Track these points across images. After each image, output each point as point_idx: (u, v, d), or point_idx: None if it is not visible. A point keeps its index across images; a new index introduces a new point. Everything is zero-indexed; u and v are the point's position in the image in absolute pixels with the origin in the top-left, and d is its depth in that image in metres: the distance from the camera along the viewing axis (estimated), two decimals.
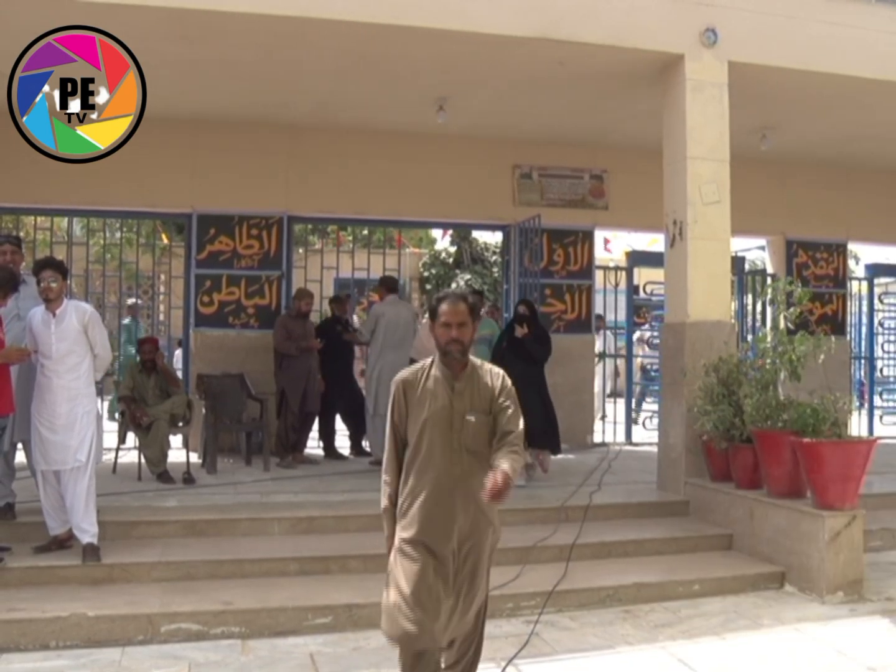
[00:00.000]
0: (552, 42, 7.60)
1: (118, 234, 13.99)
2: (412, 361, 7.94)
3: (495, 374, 4.03)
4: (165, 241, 15.78)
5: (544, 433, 8.33)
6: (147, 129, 6.32)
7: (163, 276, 14.07)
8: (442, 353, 3.94)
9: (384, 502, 4.04)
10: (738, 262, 12.21)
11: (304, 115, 10.16)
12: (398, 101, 9.53)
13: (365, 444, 10.32)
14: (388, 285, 10.18)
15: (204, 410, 9.35)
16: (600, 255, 13.82)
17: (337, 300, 10.73)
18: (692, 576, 6.43)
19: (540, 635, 5.45)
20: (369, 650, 5.24)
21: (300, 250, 12.61)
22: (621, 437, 12.15)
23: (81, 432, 6.06)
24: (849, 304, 13.18)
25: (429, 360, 4.02)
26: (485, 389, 3.96)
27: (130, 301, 11.79)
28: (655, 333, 13.05)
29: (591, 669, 4.97)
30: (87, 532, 5.98)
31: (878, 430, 12.92)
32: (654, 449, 8.70)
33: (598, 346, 12.82)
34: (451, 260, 26.68)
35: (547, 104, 9.61)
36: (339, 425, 10.58)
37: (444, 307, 3.94)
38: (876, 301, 13.80)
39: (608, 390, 13.78)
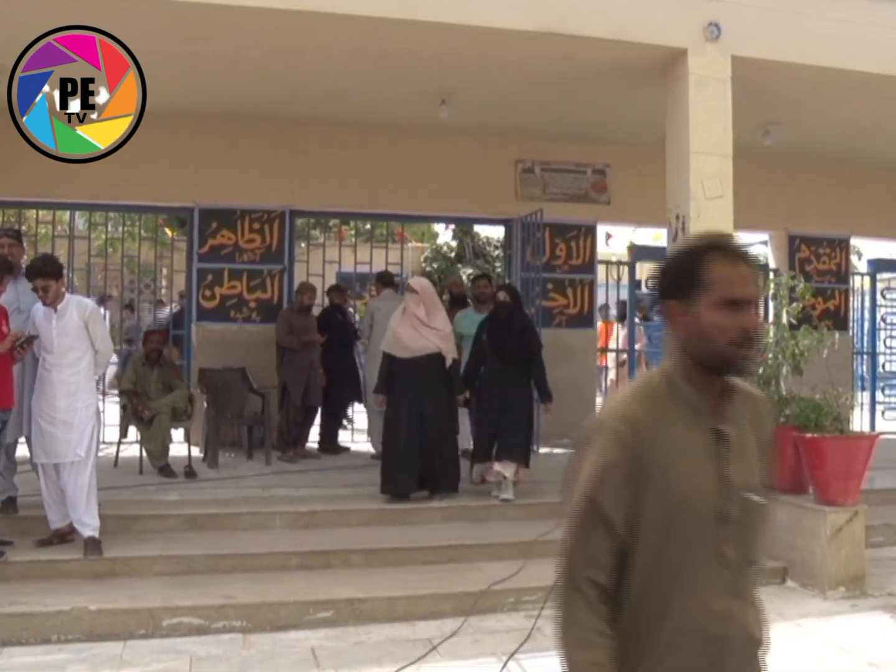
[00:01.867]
0: (556, 36, 7.57)
1: (120, 229, 13.96)
2: (386, 357, 7.67)
3: (762, 404, 2.19)
4: (170, 234, 15.76)
5: (507, 443, 7.48)
6: (149, 124, 6.31)
7: (165, 270, 14.06)
8: (719, 365, 1.97)
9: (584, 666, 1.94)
10: None
11: (307, 109, 10.14)
12: (401, 95, 9.51)
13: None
14: (384, 280, 10.23)
15: (205, 404, 9.35)
16: (602, 249, 13.80)
17: (336, 289, 10.73)
18: None
19: (541, 630, 5.44)
20: (370, 644, 5.25)
21: (302, 244, 12.60)
22: None
23: (81, 426, 6.06)
24: (851, 299, 13.16)
25: (655, 375, 2.07)
26: (760, 435, 2.11)
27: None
28: None
29: None
30: (89, 526, 5.99)
31: (880, 425, 12.91)
32: None
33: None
34: (452, 254, 26.66)
35: (550, 99, 9.58)
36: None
37: (722, 269, 1.96)
38: (878, 296, 13.79)
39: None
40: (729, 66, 7.91)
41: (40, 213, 11.43)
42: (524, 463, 7.59)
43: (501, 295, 7.81)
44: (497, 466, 7.46)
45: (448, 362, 7.56)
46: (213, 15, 7.17)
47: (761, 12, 7.96)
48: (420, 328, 7.47)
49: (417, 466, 7.39)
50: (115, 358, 10.69)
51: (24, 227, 12.34)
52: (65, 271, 6.43)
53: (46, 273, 6.09)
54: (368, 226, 15.15)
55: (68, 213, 12.09)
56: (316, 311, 10.19)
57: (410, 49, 7.98)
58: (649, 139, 9.19)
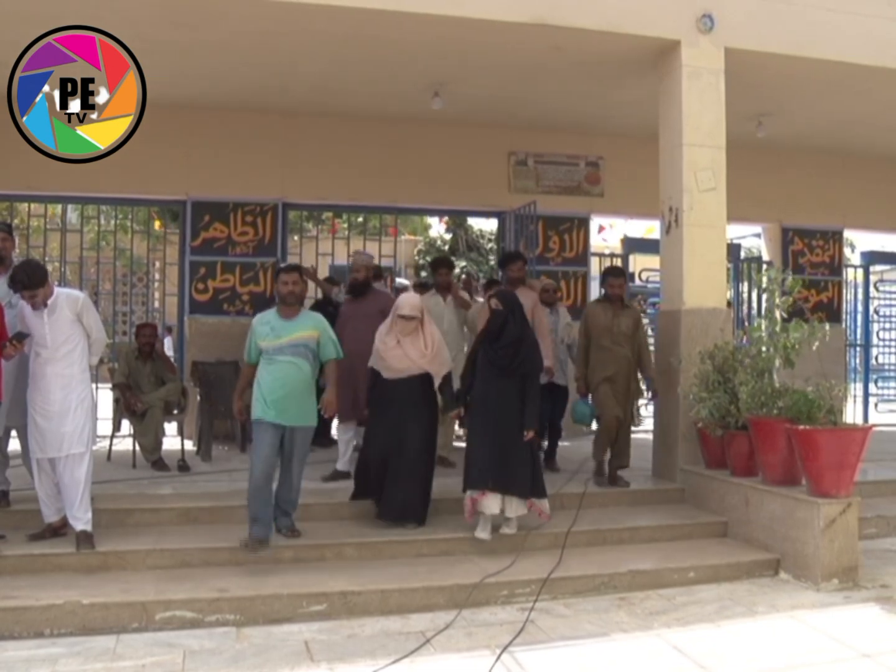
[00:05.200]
0: (549, 28, 7.57)
1: (113, 222, 13.93)
2: (371, 372, 6.97)
3: None
4: (158, 226, 15.73)
5: (504, 470, 6.43)
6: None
7: (157, 263, 14.04)
8: None
9: None
10: (733, 250, 12.21)
11: (300, 102, 10.13)
12: (394, 87, 9.50)
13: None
14: (374, 273, 10.22)
15: (199, 398, 9.34)
16: (595, 242, 13.81)
17: (330, 281, 10.69)
18: (687, 563, 6.43)
19: (535, 622, 5.45)
20: (364, 637, 5.24)
21: (295, 237, 12.58)
22: None
23: (76, 420, 6.02)
24: (844, 291, 13.20)
25: None
26: None
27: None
28: None
29: (586, 656, 4.97)
30: (81, 519, 5.97)
31: (874, 417, 12.95)
32: (650, 436, 8.69)
33: None
34: (446, 247, 26.67)
35: (543, 91, 9.58)
36: None
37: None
38: (871, 289, 13.82)
39: None
40: (722, 57, 7.93)
41: (32, 206, 11.40)
42: (539, 494, 6.63)
43: (493, 302, 6.77)
44: (491, 501, 6.43)
45: (437, 381, 6.86)
46: (203, 3, 7.17)
47: (754, 3, 7.99)
48: (407, 348, 6.79)
49: (378, 487, 6.77)
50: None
51: (16, 221, 12.30)
52: (50, 270, 6.33)
53: (31, 286, 5.96)
54: (361, 218, 15.13)
55: (60, 206, 12.05)
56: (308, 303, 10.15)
57: (402, 40, 7.98)
58: (642, 131, 9.21)
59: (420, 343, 6.83)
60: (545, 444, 8.69)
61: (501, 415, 6.54)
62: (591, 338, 7.95)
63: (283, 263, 6.18)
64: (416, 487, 6.75)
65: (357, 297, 8.25)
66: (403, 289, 11.12)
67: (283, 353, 6.25)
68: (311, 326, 6.41)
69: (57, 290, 6.20)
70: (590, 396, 8.04)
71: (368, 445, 6.98)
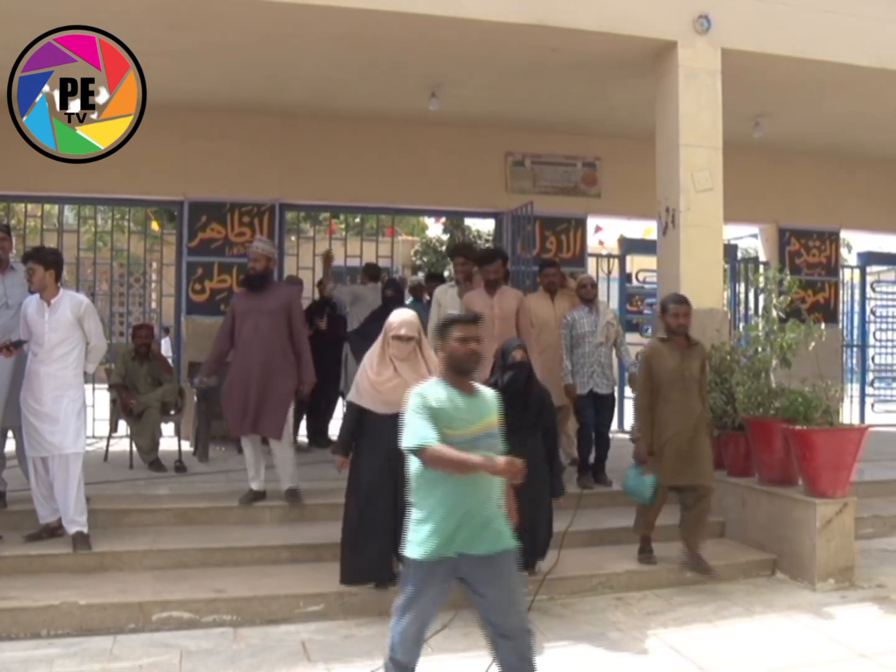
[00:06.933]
0: (546, 29, 7.57)
1: (110, 222, 13.93)
2: (353, 409, 5.67)
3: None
4: (155, 227, 15.73)
5: (535, 540, 5.73)
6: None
7: (154, 264, 14.03)
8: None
9: None
10: (730, 250, 12.21)
11: (297, 102, 10.13)
12: (391, 87, 9.50)
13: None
14: (371, 273, 10.26)
15: (195, 398, 9.33)
16: (592, 244, 13.81)
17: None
18: None
19: (532, 622, 5.44)
20: (361, 638, 5.24)
21: (292, 238, 12.57)
22: (613, 425, 12.12)
23: (68, 421, 6.00)
24: (841, 292, 13.21)
25: None
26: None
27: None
28: None
29: (583, 657, 4.97)
30: (77, 522, 5.96)
31: (870, 418, 12.96)
32: None
33: None
34: (443, 248, 26.67)
35: (540, 91, 9.58)
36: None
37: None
38: (868, 289, 13.82)
39: None
40: (719, 58, 7.93)
41: (29, 206, 11.40)
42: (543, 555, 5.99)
43: (518, 354, 5.76)
44: None
45: None
46: (200, 4, 7.16)
47: (751, 4, 7.98)
48: (406, 374, 5.45)
49: (379, 548, 5.57)
50: None
51: (13, 221, 12.30)
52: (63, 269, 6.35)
53: (36, 258, 6.08)
54: (358, 219, 15.15)
55: (57, 206, 12.06)
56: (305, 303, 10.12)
57: (400, 41, 7.98)
58: (639, 132, 9.21)
59: (421, 368, 5.49)
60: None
61: (530, 479, 4.83)
62: (658, 388, 6.33)
63: (458, 313, 4.45)
64: (386, 544, 5.51)
65: (254, 290, 7.09)
66: (418, 285, 11.12)
67: (475, 447, 3.85)
68: (494, 405, 4.08)
69: (62, 290, 6.21)
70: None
71: (350, 502, 5.83)
